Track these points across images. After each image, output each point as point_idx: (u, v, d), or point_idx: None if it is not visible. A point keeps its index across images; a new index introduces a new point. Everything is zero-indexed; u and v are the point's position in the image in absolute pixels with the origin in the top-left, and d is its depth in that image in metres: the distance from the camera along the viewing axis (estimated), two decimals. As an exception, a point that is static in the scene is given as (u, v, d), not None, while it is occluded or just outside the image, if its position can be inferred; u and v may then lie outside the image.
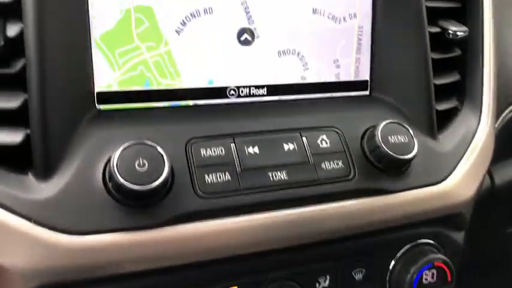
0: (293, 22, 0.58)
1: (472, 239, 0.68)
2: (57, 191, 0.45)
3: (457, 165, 0.61)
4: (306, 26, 0.59)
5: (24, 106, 0.46)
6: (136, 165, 0.44)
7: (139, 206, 0.46)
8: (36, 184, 0.45)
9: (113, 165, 0.44)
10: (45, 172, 0.46)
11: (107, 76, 0.52)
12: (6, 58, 0.46)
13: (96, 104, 0.51)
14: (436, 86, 0.63)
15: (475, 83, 0.67)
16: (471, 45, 0.68)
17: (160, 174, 0.44)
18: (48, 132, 0.46)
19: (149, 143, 0.46)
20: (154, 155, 0.45)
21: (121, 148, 0.44)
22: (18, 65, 0.46)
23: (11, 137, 0.46)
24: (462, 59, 0.68)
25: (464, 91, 0.68)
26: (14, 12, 0.46)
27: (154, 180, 0.44)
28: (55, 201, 0.44)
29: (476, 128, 0.65)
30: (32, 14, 0.45)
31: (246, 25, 0.56)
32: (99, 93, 0.52)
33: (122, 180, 0.43)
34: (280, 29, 0.58)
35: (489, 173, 0.88)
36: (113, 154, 0.44)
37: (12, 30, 0.46)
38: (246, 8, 0.56)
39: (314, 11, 0.59)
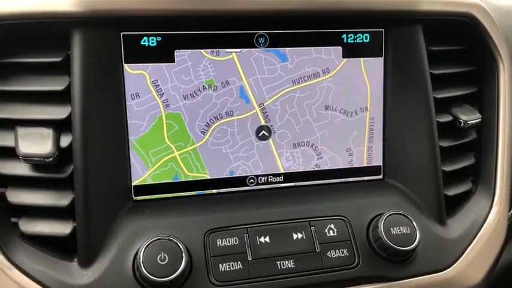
0: (306, 118, 0.65)
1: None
2: (96, 278, 0.54)
3: (464, 251, 0.64)
4: (318, 120, 0.65)
5: (73, 204, 0.56)
6: (158, 259, 0.52)
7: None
8: (79, 270, 0.55)
9: (139, 259, 0.52)
10: (88, 260, 0.55)
11: (142, 172, 0.61)
12: (59, 165, 0.56)
13: (133, 196, 0.61)
14: (448, 171, 0.67)
15: (490, 167, 0.69)
16: (486, 129, 0.70)
17: (178, 268, 0.52)
18: (91, 226, 0.55)
19: (171, 238, 0.54)
20: (174, 250, 0.53)
21: (146, 243, 0.53)
22: (68, 170, 0.56)
23: (62, 229, 0.56)
24: (478, 141, 0.71)
25: (478, 174, 0.70)
26: (67, 126, 0.56)
27: (173, 273, 0.52)
28: (94, 287, 0.53)
29: (488, 213, 0.67)
30: (78, 128, 0.55)
31: (263, 123, 0.63)
32: (135, 187, 0.61)
33: (145, 272, 0.51)
34: (294, 125, 0.64)
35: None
36: (140, 248, 0.53)
37: (64, 141, 0.56)
38: (263, 109, 0.63)
39: (326, 108, 0.65)
